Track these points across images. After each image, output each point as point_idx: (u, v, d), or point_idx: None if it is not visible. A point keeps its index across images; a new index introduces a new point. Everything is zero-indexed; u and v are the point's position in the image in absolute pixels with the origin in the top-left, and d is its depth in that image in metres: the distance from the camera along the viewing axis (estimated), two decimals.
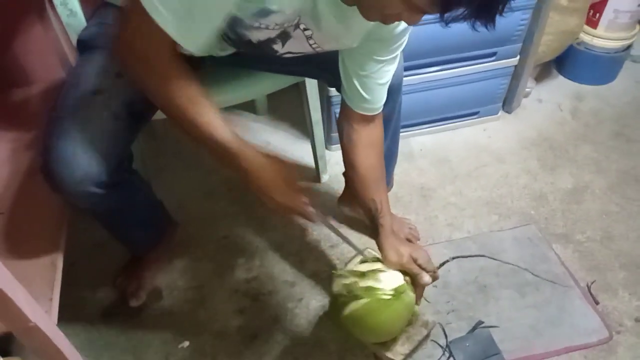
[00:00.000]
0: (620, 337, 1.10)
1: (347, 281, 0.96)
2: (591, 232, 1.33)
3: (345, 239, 1.00)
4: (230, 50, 0.93)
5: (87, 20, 0.98)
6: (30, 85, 1.22)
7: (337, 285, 0.99)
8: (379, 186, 1.03)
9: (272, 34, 0.78)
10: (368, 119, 0.98)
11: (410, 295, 0.97)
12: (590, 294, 1.19)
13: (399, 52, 0.91)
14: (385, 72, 0.92)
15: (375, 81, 0.92)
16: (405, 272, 1.00)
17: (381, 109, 0.98)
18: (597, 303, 1.17)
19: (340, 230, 1.03)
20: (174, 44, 0.70)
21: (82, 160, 0.79)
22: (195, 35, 0.70)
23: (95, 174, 0.80)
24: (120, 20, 0.72)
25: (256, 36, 0.79)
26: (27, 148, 1.04)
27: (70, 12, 0.98)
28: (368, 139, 1.00)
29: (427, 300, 1.17)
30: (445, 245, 1.30)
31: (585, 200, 1.43)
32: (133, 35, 0.69)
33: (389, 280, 0.95)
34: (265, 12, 0.71)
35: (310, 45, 0.84)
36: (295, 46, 0.84)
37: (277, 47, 0.83)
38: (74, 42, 0.96)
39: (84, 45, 0.91)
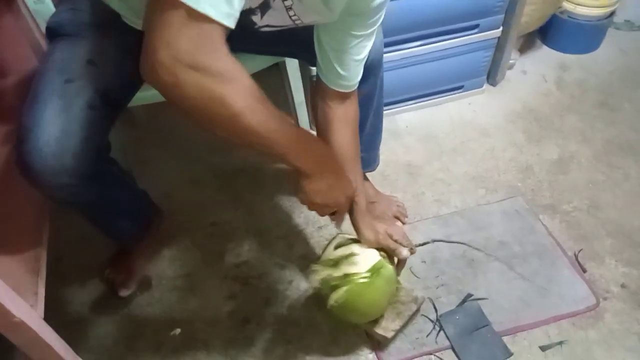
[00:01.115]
0: (607, 303, 1.12)
1: (324, 274, 0.96)
2: (578, 202, 1.34)
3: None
4: None
5: (56, 6, 0.95)
6: (4, 77, 1.18)
7: (315, 281, 0.98)
8: (354, 164, 1.01)
9: (254, 3, 0.76)
10: (343, 96, 0.97)
11: (389, 267, 0.97)
12: (578, 262, 1.20)
13: (376, 27, 0.89)
14: (362, 48, 0.90)
15: (352, 57, 0.90)
16: (381, 249, 0.99)
17: (356, 85, 0.97)
18: (584, 271, 1.18)
19: None
20: (224, 38, 0.59)
21: (57, 152, 0.77)
22: (234, 8, 0.59)
23: (71, 165, 0.78)
24: (148, 34, 0.57)
25: None
26: (3, 142, 1.02)
27: None
28: (343, 116, 0.98)
29: (416, 276, 1.17)
30: (433, 221, 1.30)
31: (571, 170, 1.43)
32: (178, 42, 0.55)
33: (364, 261, 0.95)
34: None
35: (290, 17, 0.81)
36: (275, 18, 0.81)
37: (256, 18, 0.80)
38: (44, 29, 0.93)
39: (53, 33, 0.88)
